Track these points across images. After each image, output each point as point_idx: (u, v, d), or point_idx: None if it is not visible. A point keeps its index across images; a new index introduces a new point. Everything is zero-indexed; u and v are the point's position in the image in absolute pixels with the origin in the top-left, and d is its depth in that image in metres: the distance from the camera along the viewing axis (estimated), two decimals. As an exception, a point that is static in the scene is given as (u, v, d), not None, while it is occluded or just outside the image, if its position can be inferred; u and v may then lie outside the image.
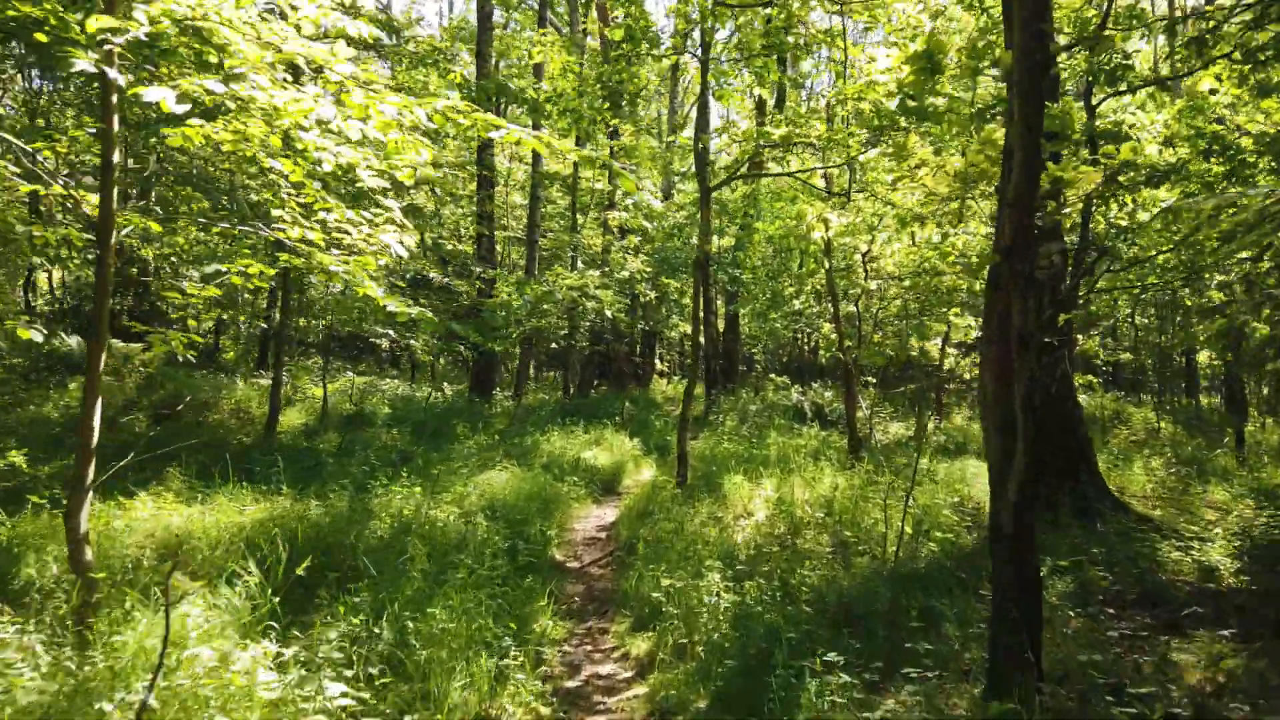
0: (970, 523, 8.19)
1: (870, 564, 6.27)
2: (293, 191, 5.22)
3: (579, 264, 15.17)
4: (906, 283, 11.16)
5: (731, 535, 7.19)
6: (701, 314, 21.36)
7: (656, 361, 34.47)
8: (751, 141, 9.55)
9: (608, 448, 12.14)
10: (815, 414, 16.95)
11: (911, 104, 5.66)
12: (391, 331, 14.26)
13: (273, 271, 5.74)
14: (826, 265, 10.87)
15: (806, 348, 24.08)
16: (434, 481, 7.98)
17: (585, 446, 11.90)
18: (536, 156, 17.97)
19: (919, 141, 8.05)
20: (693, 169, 26.88)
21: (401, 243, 5.08)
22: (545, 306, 13.02)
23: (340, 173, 4.97)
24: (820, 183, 12.15)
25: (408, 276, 24.18)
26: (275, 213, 5.16)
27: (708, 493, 8.71)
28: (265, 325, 17.80)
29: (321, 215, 5.15)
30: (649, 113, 35.04)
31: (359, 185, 5.31)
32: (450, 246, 18.49)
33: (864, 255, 12.52)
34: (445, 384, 17.64)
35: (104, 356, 4.01)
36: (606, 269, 14.33)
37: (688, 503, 8.23)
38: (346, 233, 5.16)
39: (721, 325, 25.34)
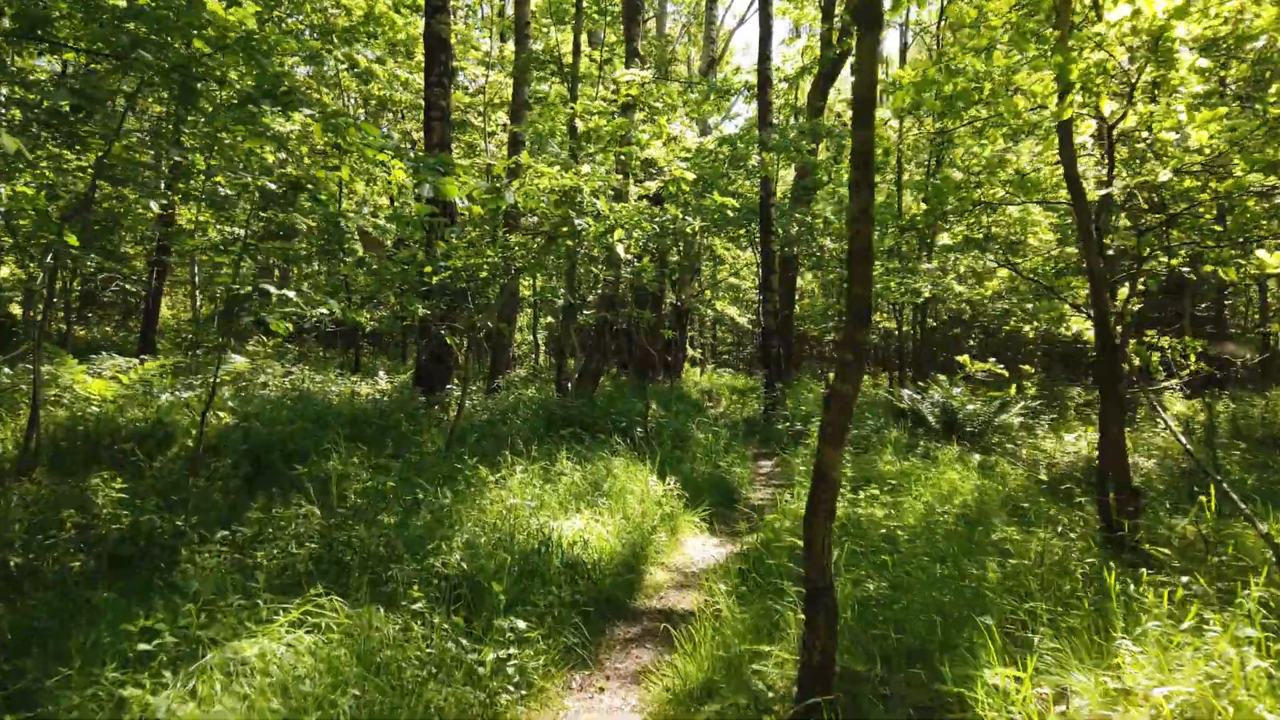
0: None
1: None
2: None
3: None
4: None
5: None
6: (760, 269, 15.20)
7: (688, 347, 28.55)
8: None
9: (616, 498, 6.25)
10: (944, 422, 10.92)
11: None
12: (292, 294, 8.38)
13: None
14: (1098, 115, 4.80)
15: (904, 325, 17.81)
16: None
17: (571, 498, 6.02)
18: (521, 31, 12.01)
19: None
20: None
21: None
22: (512, 235, 7.12)
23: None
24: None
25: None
26: None
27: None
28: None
29: None
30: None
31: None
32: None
33: (1108, 127, 6.45)
34: (383, 374, 11.86)
35: None
36: (616, 171, 8.22)
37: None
38: None
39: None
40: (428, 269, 6.21)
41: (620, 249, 7.25)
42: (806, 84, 20.52)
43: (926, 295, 11.53)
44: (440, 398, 10.36)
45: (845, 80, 25.48)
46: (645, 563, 5.55)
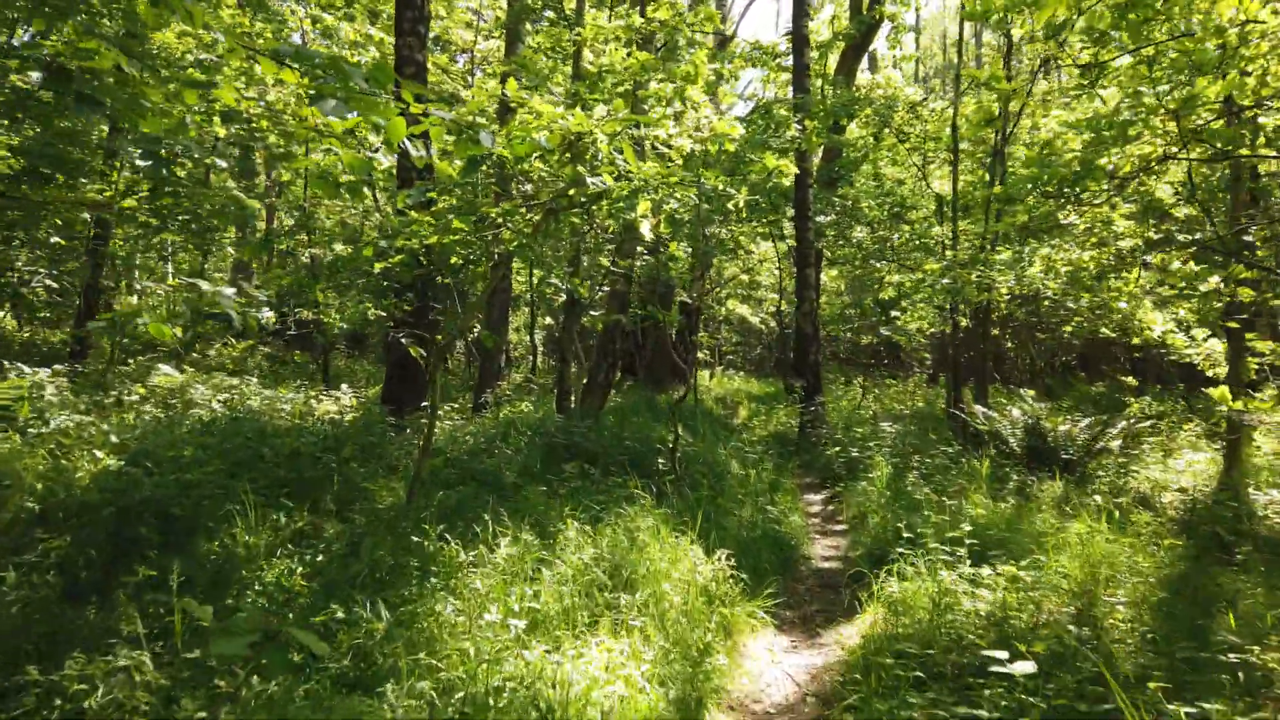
0: None
1: None
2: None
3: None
4: None
5: None
6: (793, 260, 12.95)
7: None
8: None
9: (649, 591, 4.25)
10: (1029, 446, 8.88)
11: None
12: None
13: None
14: None
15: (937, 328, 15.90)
16: None
17: (581, 598, 4.02)
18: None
19: None
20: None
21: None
22: (491, 210, 5.09)
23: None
24: None
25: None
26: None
27: None
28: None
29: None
30: None
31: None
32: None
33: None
34: (346, 387, 9.82)
35: None
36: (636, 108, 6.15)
37: None
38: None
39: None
40: (367, 251, 4.21)
41: (646, 226, 5.23)
42: (832, 59, 18.51)
43: (1004, 291, 9.53)
44: (412, 420, 8.38)
45: (867, 60, 23.40)
46: (702, 710, 3.53)
